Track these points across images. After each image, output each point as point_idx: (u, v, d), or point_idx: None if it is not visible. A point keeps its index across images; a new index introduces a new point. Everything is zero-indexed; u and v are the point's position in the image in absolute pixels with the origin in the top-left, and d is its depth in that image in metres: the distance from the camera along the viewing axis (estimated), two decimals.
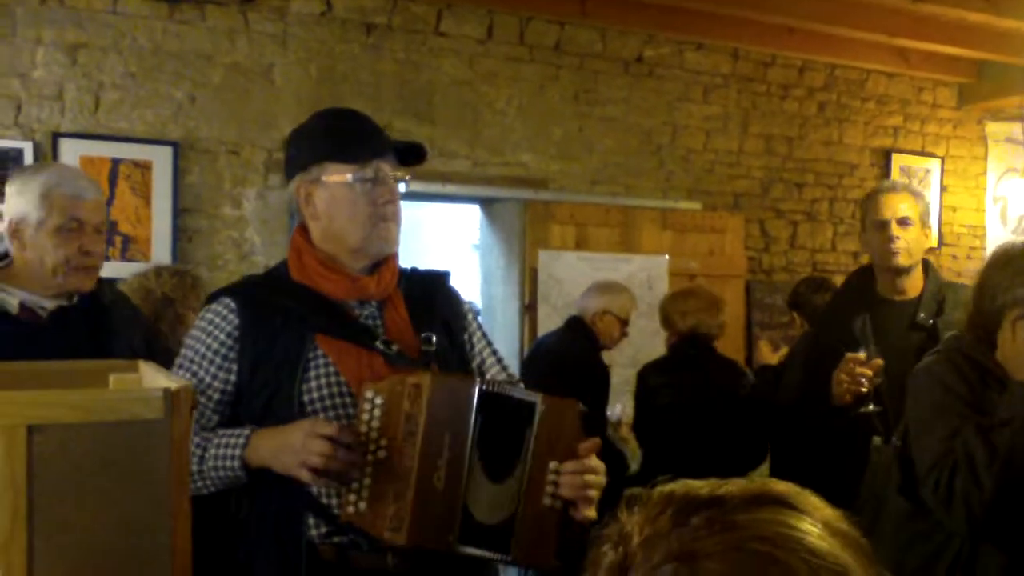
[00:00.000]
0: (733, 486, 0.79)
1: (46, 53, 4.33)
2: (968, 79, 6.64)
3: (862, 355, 2.77)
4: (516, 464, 1.82)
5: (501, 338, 5.20)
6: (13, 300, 2.24)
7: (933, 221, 3.13)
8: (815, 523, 0.76)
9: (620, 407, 5.10)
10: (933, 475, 2.08)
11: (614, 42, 5.61)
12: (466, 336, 2.10)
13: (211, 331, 1.94)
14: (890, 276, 3.04)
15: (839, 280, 5.50)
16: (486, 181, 5.27)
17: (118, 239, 4.40)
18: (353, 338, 1.92)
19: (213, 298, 2.00)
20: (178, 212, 4.53)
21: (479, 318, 2.33)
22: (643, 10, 5.41)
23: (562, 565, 1.82)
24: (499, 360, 2.15)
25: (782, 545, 0.73)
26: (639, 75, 5.71)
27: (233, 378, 1.92)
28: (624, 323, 4.54)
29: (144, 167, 4.46)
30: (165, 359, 2.00)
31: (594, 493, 1.82)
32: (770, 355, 4.80)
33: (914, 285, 3.03)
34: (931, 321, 2.90)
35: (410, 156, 2.05)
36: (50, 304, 2.29)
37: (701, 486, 0.80)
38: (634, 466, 4.18)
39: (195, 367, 1.93)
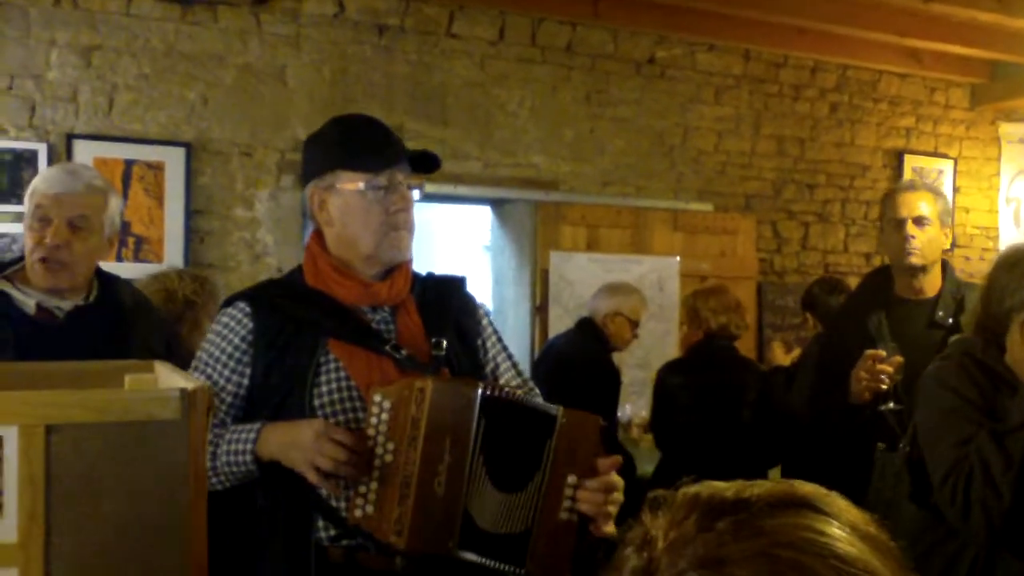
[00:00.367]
0: (759, 488, 0.77)
1: (60, 55, 4.35)
2: (981, 80, 6.61)
3: (883, 352, 2.75)
4: (532, 475, 1.82)
5: (512, 340, 5.20)
6: (30, 301, 2.25)
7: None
8: (843, 527, 0.74)
9: (630, 408, 5.09)
10: (948, 483, 2.05)
11: (626, 43, 5.61)
12: (480, 341, 2.10)
13: (226, 335, 1.96)
14: (907, 276, 3.01)
15: (853, 281, 5.52)
16: (497, 182, 5.28)
17: (131, 240, 4.42)
18: (364, 343, 1.93)
19: (228, 302, 2.02)
20: (190, 213, 4.55)
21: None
22: (655, 11, 5.41)
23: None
24: (514, 365, 2.15)
25: (810, 551, 0.71)
26: (651, 76, 5.70)
27: (246, 381, 1.94)
28: (635, 324, 4.54)
29: (157, 168, 4.48)
30: (186, 363, 2.01)
31: (613, 510, 1.82)
32: (783, 356, 4.79)
33: (932, 285, 3.00)
34: (950, 320, 2.88)
35: (424, 165, 2.06)
36: (66, 304, 2.29)
37: (726, 488, 0.78)
38: (648, 468, 4.17)
39: (209, 370, 1.95)
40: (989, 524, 2.01)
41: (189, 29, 4.57)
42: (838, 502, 0.77)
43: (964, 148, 6.83)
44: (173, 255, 4.43)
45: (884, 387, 2.74)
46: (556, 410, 1.84)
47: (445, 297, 2.09)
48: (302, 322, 1.93)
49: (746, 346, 5.45)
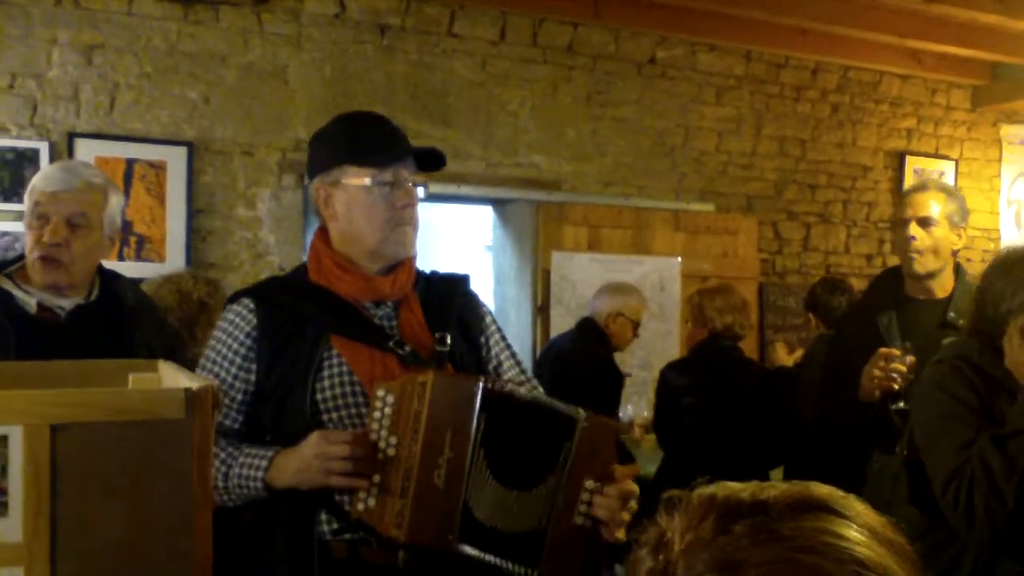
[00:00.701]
0: (775, 490, 0.76)
1: (62, 53, 4.35)
2: (982, 81, 6.61)
3: (897, 351, 2.73)
4: (545, 475, 1.82)
5: (514, 339, 5.16)
6: (31, 300, 2.25)
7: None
8: (861, 530, 0.73)
9: (631, 408, 5.09)
10: (951, 488, 2.04)
11: (627, 43, 5.61)
12: (483, 339, 2.10)
13: (231, 331, 1.97)
14: (911, 275, 2.97)
15: (855, 283, 5.51)
16: (499, 182, 5.27)
17: (133, 239, 4.42)
18: (367, 339, 1.93)
19: (233, 299, 2.03)
20: (192, 212, 4.54)
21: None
22: (656, 11, 5.41)
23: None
24: (518, 363, 2.16)
25: (829, 555, 0.70)
26: (652, 76, 5.70)
27: (253, 378, 1.94)
28: (636, 325, 4.54)
29: (159, 168, 4.48)
30: (191, 367, 2.01)
31: (628, 517, 1.83)
32: (786, 357, 4.79)
33: (943, 286, 2.95)
34: (961, 321, 2.86)
35: (429, 162, 2.07)
36: (67, 303, 2.28)
37: (742, 489, 0.77)
38: (650, 468, 4.16)
39: (217, 368, 1.96)
40: (993, 529, 2.00)
41: (191, 28, 4.57)
42: (856, 505, 0.76)
43: (965, 149, 6.83)
44: (175, 254, 4.43)
45: (896, 386, 2.71)
46: (577, 412, 1.84)
47: (448, 294, 2.10)
48: (305, 318, 1.94)
49: (748, 347, 5.45)
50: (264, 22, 4.72)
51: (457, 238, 7.27)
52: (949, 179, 6.67)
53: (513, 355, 2.16)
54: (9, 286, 2.26)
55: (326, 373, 1.90)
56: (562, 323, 5.06)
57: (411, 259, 2.06)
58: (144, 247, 4.44)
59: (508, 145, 5.29)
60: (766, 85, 6.08)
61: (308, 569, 1.84)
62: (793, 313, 6.08)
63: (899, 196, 3.15)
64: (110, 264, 4.30)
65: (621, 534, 1.83)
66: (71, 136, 4.34)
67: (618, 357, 4.53)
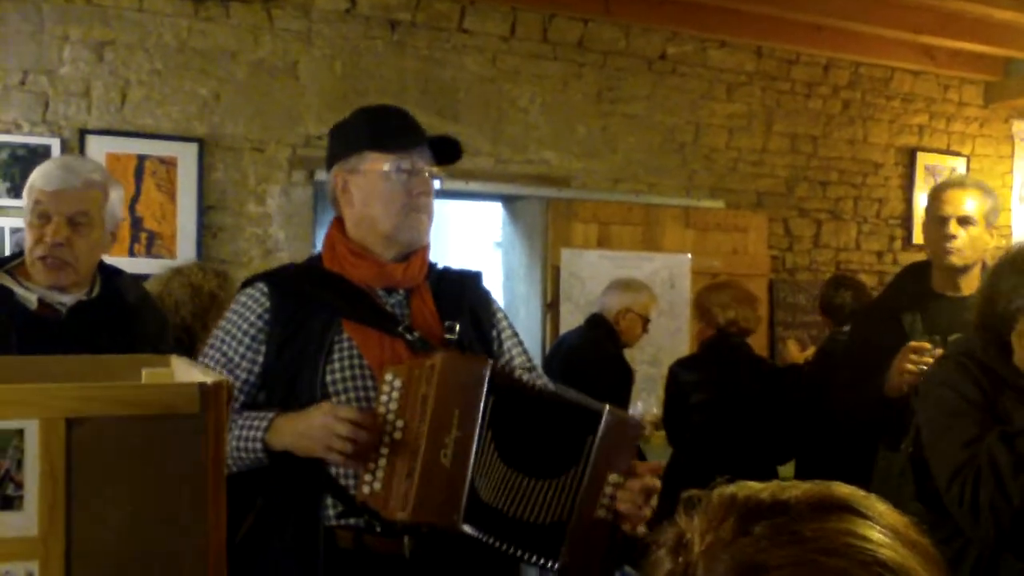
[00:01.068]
0: (796, 490, 0.76)
1: (73, 50, 4.36)
2: (995, 77, 6.58)
3: (927, 344, 2.70)
4: (568, 467, 1.83)
5: (523, 336, 5.13)
6: (32, 296, 2.24)
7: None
8: (885, 531, 0.72)
9: (641, 405, 5.09)
10: (956, 484, 2.04)
11: (637, 39, 5.60)
12: (494, 333, 2.12)
13: (243, 313, 2.00)
14: (947, 273, 2.95)
15: (865, 279, 5.49)
16: (509, 179, 5.27)
17: (143, 235, 4.43)
18: (377, 324, 1.95)
19: (248, 283, 2.07)
20: (203, 209, 4.55)
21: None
22: (667, 7, 5.39)
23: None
24: (529, 359, 2.18)
25: (853, 558, 0.69)
26: (662, 73, 5.69)
27: (261, 359, 1.96)
28: (646, 321, 4.53)
29: (169, 164, 4.48)
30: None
31: (649, 513, 1.85)
32: (798, 355, 4.78)
33: (970, 283, 2.92)
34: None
35: (445, 154, 2.11)
36: (69, 299, 2.27)
37: (762, 489, 0.76)
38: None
39: (225, 347, 1.99)
40: (998, 526, 1.99)
41: (201, 25, 4.58)
42: (878, 505, 0.75)
43: (977, 146, 6.80)
44: (185, 250, 4.44)
45: None
46: (602, 407, 1.86)
47: (461, 288, 2.13)
48: (317, 303, 1.96)
49: (758, 343, 5.44)
50: (274, 18, 4.72)
51: (467, 234, 7.27)
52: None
53: (524, 351, 2.18)
54: (9, 282, 2.25)
55: (336, 356, 1.92)
56: (571, 320, 5.05)
57: (425, 249, 2.09)
58: (155, 243, 4.45)
59: (518, 141, 5.29)
60: (777, 81, 6.06)
61: (314, 560, 1.84)
62: (803, 310, 6.06)
63: (934, 190, 3.08)
64: (121, 260, 4.31)
65: (642, 528, 1.84)
66: (82, 133, 4.34)
67: (628, 354, 4.53)
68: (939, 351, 2.67)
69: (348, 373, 1.92)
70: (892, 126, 6.48)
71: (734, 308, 4.07)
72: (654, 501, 1.86)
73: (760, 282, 5.83)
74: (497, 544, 1.78)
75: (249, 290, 2.03)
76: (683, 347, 5.31)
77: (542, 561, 1.82)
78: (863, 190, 6.41)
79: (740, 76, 5.93)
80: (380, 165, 2.01)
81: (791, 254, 6.16)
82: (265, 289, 2.00)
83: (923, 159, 6.55)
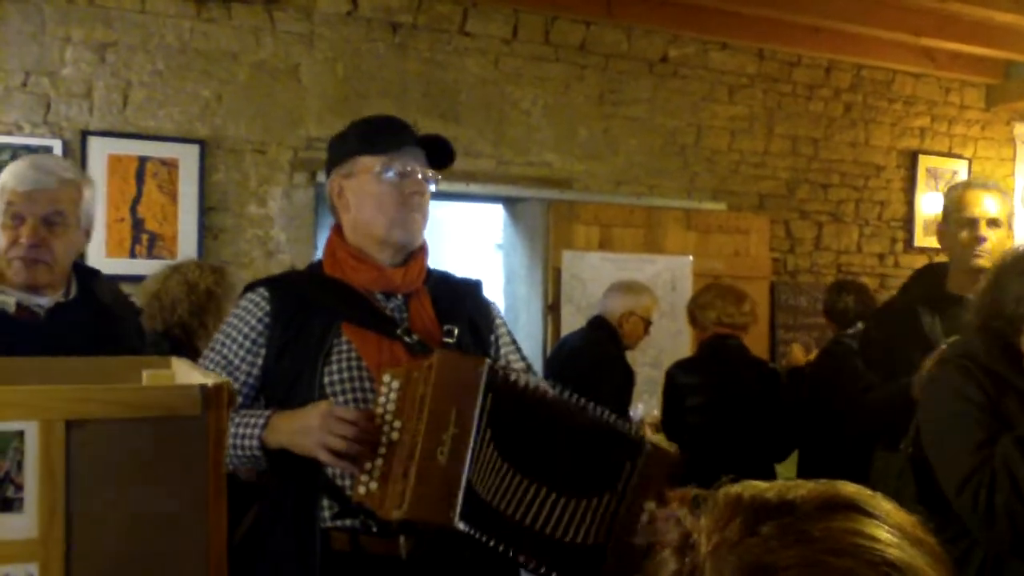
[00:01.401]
0: (803, 489, 0.75)
1: (75, 51, 4.36)
2: (996, 80, 6.58)
3: None
4: (602, 491, 1.83)
5: (524, 338, 5.19)
6: (10, 300, 2.21)
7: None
8: (892, 531, 0.72)
9: (642, 407, 5.08)
10: (968, 490, 2.02)
11: (639, 42, 5.60)
12: (493, 338, 2.14)
13: (244, 316, 2.02)
14: (967, 274, 2.89)
15: (867, 281, 5.49)
16: (510, 181, 5.27)
17: (144, 237, 4.43)
18: (376, 327, 1.97)
19: (249, 288, 2.09)
20: (204, 210, 4.55)
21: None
22: (668, 9, 5.39)
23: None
24: (528, 366, 2.18)
25: (861, 558, 0.69)
26: (664, 75, 5.69)
27: (260, 362, 1.98)
28: (648, 323, 4.54)
29: (171, 165, 4.49)
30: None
31: None
32: (802, 358, 4.78)
33: None
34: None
35: (439, 155, 2.11)
36: (46, 302, 2.25)
37: (768, 489, 0.76)
38: None
39: (225, 349, 2.01)
40: (1015, 532, 1.97)
41: (203, 26, 4.58)
42: (884, 504, 0.75)
43: (979, 148, 6.80)
44: (187, 252, 4.43)
45: None
46: (642, 437, 1.89)
47: (460, 294, 2.14)
48: (317, 306, 1.99)
49: (759, 345, 5.44)
50: (276, 20, 4.72)
51: (468, 236, 7.27)
52: (962, 178, 6.64)
53: (523, 358, 2.19)
54: None
55: (335, 358, 1.94)
56: (573, 322, 5.05)
57: (423, 253, 2.11)
58: (156, 244, 4.45)
59: (520, 143, 5.29)
60: (779, 84, 6.06)
61: (311, 562, 1.85)
62: (805, 312, 6.06)
63: (956, 191, 3.04)
64: (122, 262, 4.31)
65: None
66: (84, 134, 4.35)
67: (629, 356, 4.52)
68: None
69: (346, 375, 1.93)
70: (894, 129, 6.48)
71: (716, 306, 4.07)
72: None
73: (761, 284, 5.83)
74: (492, 543, 1.77)
75: (250, 295, 2.05)
76: (684, 349, 5.31)
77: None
78: (864, 192, 6.40)
79: (741, 78, 5.93)
80: (371, 167, 2.03)
81: (792, 256, 6.16)
82: (266, 294, 2.02)
83: (925, 162, 6.55)
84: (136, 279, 3.96)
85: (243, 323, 2.01)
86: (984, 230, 2.88)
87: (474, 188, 5.15)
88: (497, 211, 5.83)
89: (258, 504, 1.97)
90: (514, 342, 2.21)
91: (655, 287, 4.95)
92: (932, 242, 6.34)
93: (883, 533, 0.72)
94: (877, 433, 3.04)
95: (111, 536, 1.13)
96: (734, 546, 0.72)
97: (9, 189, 2.22)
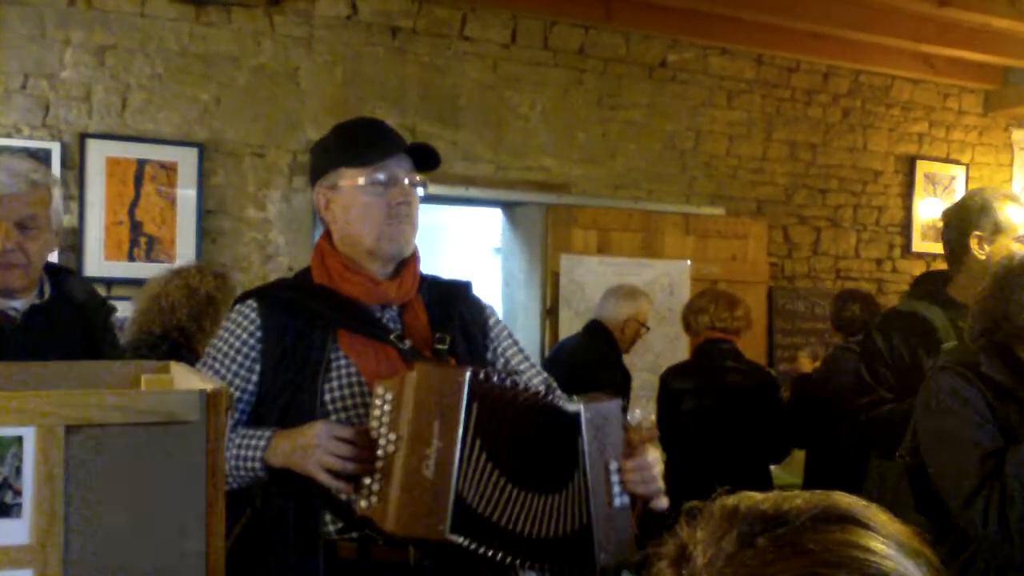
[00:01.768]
0: (798, 500, 0.75)
1: (74, 54, 4.36)
2: (994, 86, 6.59)
3: None
4: (573, 475, 1.82)
5: (522, 342, 5.15)
6: None
7: None
8: (888, 542, 0.72)
9: (640, 412, 5.07)
10: (977, 503, 2.00)
11: (638, 47, 5.61)
12: (487, 340, 2.12)
13: (234, 331, 1.98)
14: (977, 283, 2.90)
15: (864, 286, 5.48)
16: (509, 185, 5.27)
17: (143, 240, 4.43)
18: (371, 333, 1.95)
19: (239, 300, 2.06)
20: (203, 213, 4.55)
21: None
22: (667, 15, 5.40)
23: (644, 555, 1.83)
24: (527, 358, 2.17)
25: (856, 570, 0.69)
26: (663, 80, 5.70)
27: (255, 378, 1.96)
28: (645, 327, 4.56)
29: (169, 168, 4.49)
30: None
31: (662, 483, 1.87)
32: (809, 366, 4.78)
33: None
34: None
35: (425, 160, 2.08)
36: (21, 305, 2.24)
37: (763, 500, 0.76)
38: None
39: (217, 365, 1.97)
40: None
41: (202, 30, 4.58)
42: (879, 516, 0.75)
43: (977, 154, 6.81)
44: (185, 255, 4.43)
45: None
46: (577, 407, 1.83)
47: (451, 299, 2.12)
48: (311, 316, 1.96)
49: (756, 351, 5.45)
50: (275, 24, 4.73)
51: (466, 240, 7.27)
52: (960, 184, 6.65)
53: (521, 351, 2.17)
54: None
55: (334, 375, 1.92)
56: (570, 326, 5.05)
57: (415, 262, 2.08)
58: (154, 248, 4.45)
59: (518, 148, 5.29)
60: (777, 89, 6.07)
61: (315, 571, 1.84)
62: (802, 317, 6.07)
63: (995, 204, 2.96)
64: (120, 265, 4.30)
65: (664, 501, 1.86)
66: (82, 137, 4.35)
67: (628, 361, 4.53)
68: None
69: (347, 391, 1.91)
70: (892, 134, 6.49)
71: (709, 311, 4.10)
72: (659, 468, 1.87)
73: (759, 289, 5.84)
74: (491, 554, 1.77)
75: (240, 307, 2.02)
76: (682, 354, 5.31)
77: (570, 570, 1.82)
78: (862, 198, 6.41)
79: (740, 84, 5.94)
80: (356, 180, 2.00)
81: (790, 261, 6.16)
82: (255, 305, 1.99)
83: (923, 167, 6.56)
84: (134, 282, 3.97)
85: (235, 338, 1.98)
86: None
87: (473, 192, 5.15)
88: (496, 215, 5.84)
89: (250, 511, 1.96)
90: (510, 336, 2.19)
91: (653, 292, 4.96)
92: (930, 247, 6.36)
93: (878, 545, 0.72)
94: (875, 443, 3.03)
95: (110, 542, 1.12)
96: (730, 558, 0.72)
97: None
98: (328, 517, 1.86)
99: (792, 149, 6.13)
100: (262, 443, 1.87)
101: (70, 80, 4.36)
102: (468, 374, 1.79)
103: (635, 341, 4.57)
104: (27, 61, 4.29)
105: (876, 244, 6.46)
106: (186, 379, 1.40)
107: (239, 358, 1.96)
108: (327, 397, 1.90)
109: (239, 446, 1.88)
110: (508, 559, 1.79)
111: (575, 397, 1.88)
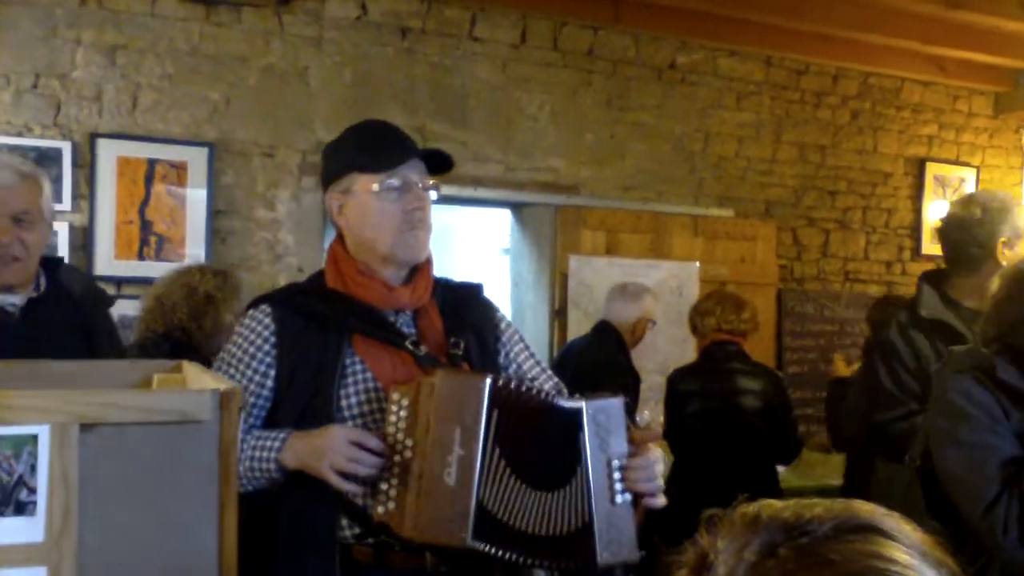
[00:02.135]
0: (819, 509, 0.75)
1: (85, 54, 4.38)
2: (1005, 88, 6.56)
3: None
4: (575, 471, 1.83)
5: (530, 343, 5.14)
6: None
7: None
8: (910, 552, 0.71)
9: (648, 413, 5.08)
10: (997, 512, 1.98)
11: (647, 48, 5.60)
12: (499, 345, 2.12)
13: (248, 336, 1.98)
14: (977, 285, 2.81)
15: (873, 290, 5.45)
16: (518, 186, 5.27)
17: (153, 239, 4.44)
18: (386, 338, 1.95)
19: (253, 305, 2.05)
20: (213, 213, 4.56)
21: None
22: (677, 16, 5.39)
23: (645, 553, 1.87)
24: (538, 363, 2.17)
25: None
26: (672, 81, 5.69)
27: (270, 383, 1.95)
28: (653, 322, 4.57)
29: (180, 168, 4.50)
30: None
31: (661, 483, 1.88)
32: (844, 369, 4.75)
33: None
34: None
35: (438, 163, 2.08)
36: (18, 299, 2.26)
37: (784, 508, 0.75)
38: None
39: (232, 370, 1.97)
40: None
41: (213, 30, 4.59)
42: (902, 525, 0.74)
43: (987, 156, 6.78)
44: (195, 255, 4.45)
45: None
46: (579, 404, 1.85)
47: (464, 302, 2.12)
48: (325, 320, 1.95)
49: (765, 353, 5.44)
50: (285, 24, 4.74)
51: (475, 241, 7.27)
52: (970, 186, 6.63)
53: (533, 355, 2.18)
54: None
55: (350, 380, 1.92)
56: (579, 327, 5.04)
57: (429, 266, 2.08)
58: (164, 247, 4.46)
59: (527, 148, 5.29)
60: (787, 91, 6.06)
61: (330, 574, 1.84)
62: (812, 319, 6.05)
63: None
64: (130, 264, 4.31)
65: (663, 500, 1.88)
66: (93, 136, 4.36)
67: (636, 362, 4.53)
68: None
69: (364, 397, 1.91)
70: (901, 136, 6.47)
71: (715, 313, 4.10)
72: (660, 468, 1.88)
73: (768, 291, 5.83)
74: (514, 559, 1.78)
75: (254, 312, 2.01)
76: (690, 355, 5.28)
77: (574, 566, 1.83)
78: (872, 200, 6.40)
79: (749, 85, 5.93)
80: (370, 186, 1.98)
81: (799, 263, 6.15)
82: (269, 310, 1.99)
83: (932, 169, 6.54)
84: (144, 281, 3.98)
85: (247, 342, 1.97)
86: None
87: (481, 193, 5.15)
88: (504, 216, 5.84)
89: (253, 511, 1.96)
90: (522, 340, 2.19)
91: (661, 293, 4.96)
92: (940, 250, 6.33)
93: (901, 555, 0.71)
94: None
95: (123, 540, 1.13)
96: (752, 568, 0.71)
97: None
98: (344, 522, 1.86)
99: (801, 151, 6.12)
100: (277, 444, 1.87)
101: (81, 80, 4.37)
102: (488, 382, 1.80)
103: (642, 338, 4.57)
104: (38, 61, 4.31)
105: (885, 246, 6.44)
106: (198, 379, 1.40)
107: (253, 363, 1.95)
108: (343, 403, 1.90)
109: (254, 447, 1.88)
110: (523, 560, 1.79)
111: (578, 395, 1.89)
